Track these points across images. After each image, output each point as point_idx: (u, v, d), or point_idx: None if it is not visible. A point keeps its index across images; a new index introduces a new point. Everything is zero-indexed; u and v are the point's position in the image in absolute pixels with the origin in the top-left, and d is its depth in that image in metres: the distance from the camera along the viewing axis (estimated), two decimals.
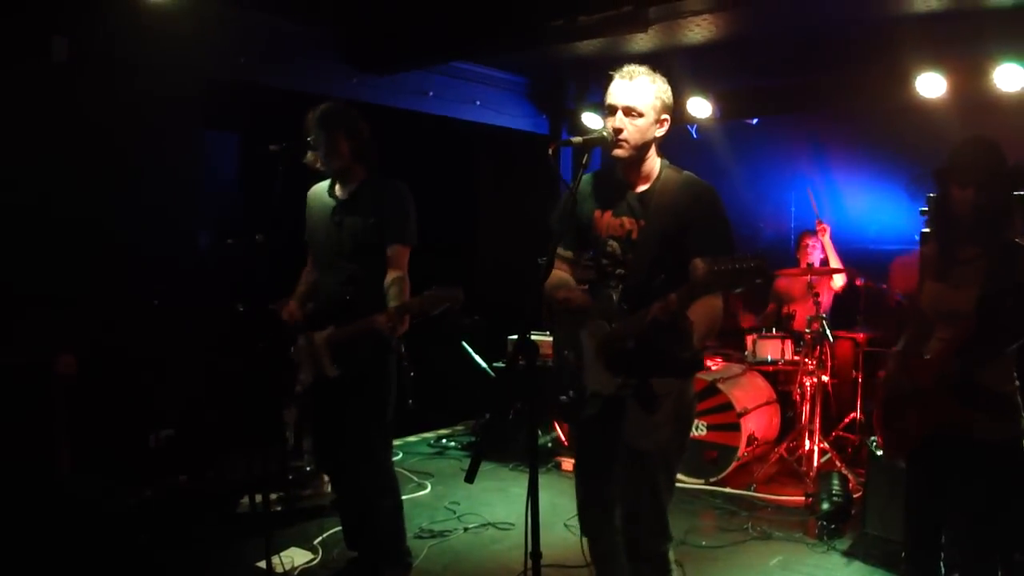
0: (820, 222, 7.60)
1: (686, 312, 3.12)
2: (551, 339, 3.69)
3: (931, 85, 6.64)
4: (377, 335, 4.28)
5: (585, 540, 3.74)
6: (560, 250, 3.58)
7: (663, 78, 3.42)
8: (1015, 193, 3.48)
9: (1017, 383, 3.40)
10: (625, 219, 3.44)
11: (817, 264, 7.53)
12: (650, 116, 3.36)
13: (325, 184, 4.62)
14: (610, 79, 3.42)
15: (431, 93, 7.87)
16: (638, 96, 3.34)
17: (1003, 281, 3.23)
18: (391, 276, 4.37)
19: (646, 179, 3.45)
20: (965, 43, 6.41)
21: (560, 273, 3.62)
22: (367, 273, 4.40)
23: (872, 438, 5.37)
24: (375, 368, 4.45)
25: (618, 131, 3.34)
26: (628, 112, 3.34)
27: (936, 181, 3.49)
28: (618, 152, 3.37)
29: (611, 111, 3.37)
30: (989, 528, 3.40)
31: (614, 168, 3.50)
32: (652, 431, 3.39)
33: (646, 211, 3.40)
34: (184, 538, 5.32)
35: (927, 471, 3.56)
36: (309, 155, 4.42)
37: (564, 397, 3.50)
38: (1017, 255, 3.29)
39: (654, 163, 3.47)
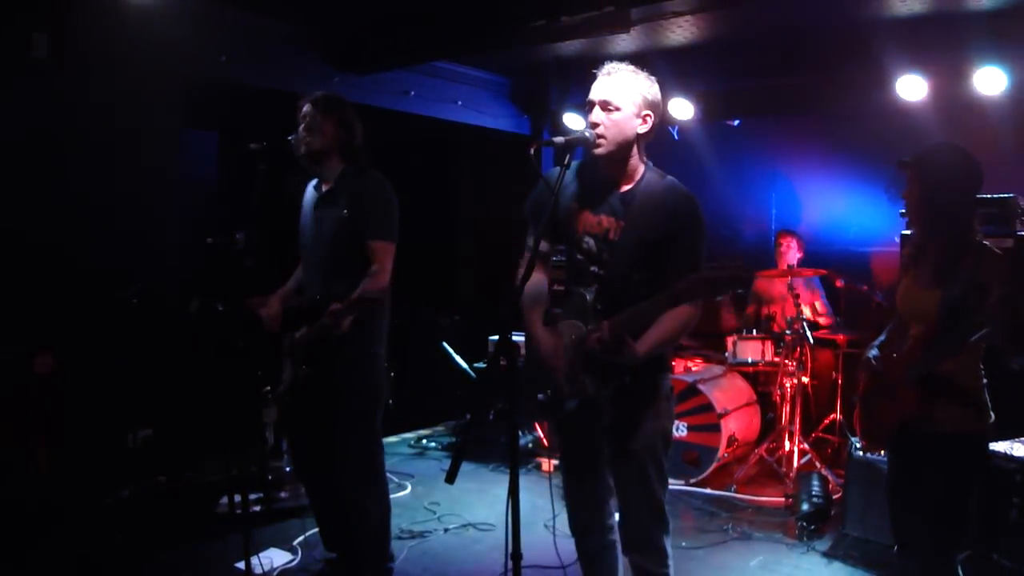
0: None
1: (624, 335, 3.17)
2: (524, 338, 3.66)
3: (912, 87, 6.67)
4: (359, 335, 4.25)
5: (558, 541, 3.75)
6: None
7: (650, 76, 3.41)
8: (976, 196, 3.47)
9: (984, 380, 3.43)
10: (604, 217, 3.42)
11: (795, 264, 7.56)
12: (628, 110, 3.32)
13: (315, 180, 4.56)
14: (594, 79, 3.41)
15: (412, 93, 7.85)
16: (615, 90, 3.32)
17: (961, 280, 3.26)
18: (371, 274, 4.29)
19: (629, 179, 3.43)
20: (946, 46, 6.44)
21: (537, 282, 3.60)
22: (342, 270, 4.33)
23: (853, 438, 5.39)
24: (357, 369, 4.39)
25: (594, 125, 3.31)
26: (604, 106, 3.32)
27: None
28: (598, 151, 3.34)
29: (589, 106, 3.36)
30: (946, 522, 3.42)
31: (597, 165, 3.46)
32: (635, 428, 3.40)
33: (627, 212, 3.38)
34: (162, 539, 5.28)
35: (901, 463, 3.61)
36: (292, 138, 4.35)
37: (541, 395, 3.48)
38: (976, 254, 3.30)
39: (638, 164, 3.44)
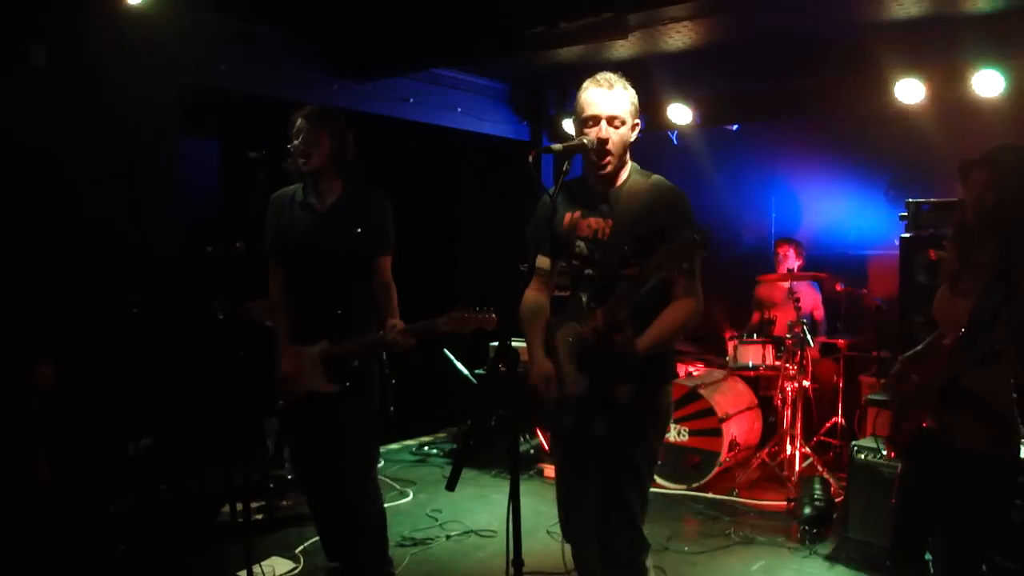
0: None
1: (620, 324, 3.17)
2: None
3: (910, 91, 6.68)
4: (372, 348, 4.27)
5: (567, 546, 3.74)
6: (538, 261, 3.57)
7: (629, 82, 3.46)
8: None
9: (1014, 395, 3.31)
10: (592, 220, 3.46)
11: (795, 270, 7.56)
12: (629, 123, 3.40)
13: (293, 190, 4.48)
14: (581, 86, 3.43)
15: (412, 100, 7.87)
16: (619, 104, 3.37)
17: (998, 291, 3.12)
18: (382, 287, 4.35)
19: (616, 180, 3.47)
20: (943, 49, 6.46)
21: (535, 299, 3.63)
22: (355, 285, 4.34)
23: (854, 442, 5.39)
24: (365, 380, 4.39)
25: (604, 141, 3.34)
26: (611, 121, 3.36)
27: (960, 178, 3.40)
28: (606, 171, 3.39)
29: (594, 121, 3.37)
30: (965, 537, 3.36)
31: (587, 174, 3.51)
32: (622, 444, 3.39)
33: (614, 211, 3.42)
34: (164, 548, 5.28)
35: (916, 472, 3.55)
36: (289, 147, 4.35)
37: (545, 405, 3.49)
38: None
39: (625, 166, 3.50)
